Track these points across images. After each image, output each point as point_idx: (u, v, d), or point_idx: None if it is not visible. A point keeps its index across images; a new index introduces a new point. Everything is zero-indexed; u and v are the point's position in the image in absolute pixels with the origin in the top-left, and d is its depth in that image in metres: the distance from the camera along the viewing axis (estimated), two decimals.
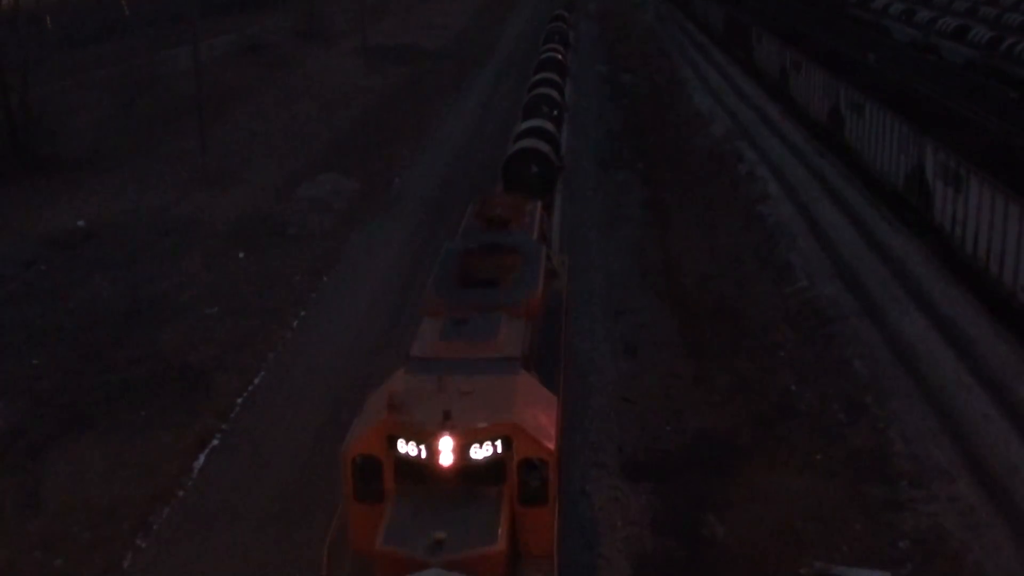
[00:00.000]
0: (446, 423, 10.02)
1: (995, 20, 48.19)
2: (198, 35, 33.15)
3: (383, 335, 20.53)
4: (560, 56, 37.22)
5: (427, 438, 10.09)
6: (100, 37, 55.36)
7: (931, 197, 22.99)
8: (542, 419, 10.65)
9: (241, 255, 25.12)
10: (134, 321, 21.22)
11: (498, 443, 10.23)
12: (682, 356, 19.47)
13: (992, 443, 15.49)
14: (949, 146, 22.25)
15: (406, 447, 10.21)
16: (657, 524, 14.26)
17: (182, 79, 40.14)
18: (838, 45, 40.08)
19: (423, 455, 10.16)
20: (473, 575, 9.52)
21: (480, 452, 10.20)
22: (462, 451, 10.12)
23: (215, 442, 16.86)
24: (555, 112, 26.69)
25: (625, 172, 32.86)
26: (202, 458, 16.40)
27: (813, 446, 15.84)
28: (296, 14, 63.73)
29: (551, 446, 10.33)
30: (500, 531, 9.94)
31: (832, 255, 23.64)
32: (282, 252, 25.42)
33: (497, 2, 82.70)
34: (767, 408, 17.19)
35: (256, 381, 18.99)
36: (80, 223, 27.17)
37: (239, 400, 18.26)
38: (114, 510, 14.82)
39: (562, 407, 11.70)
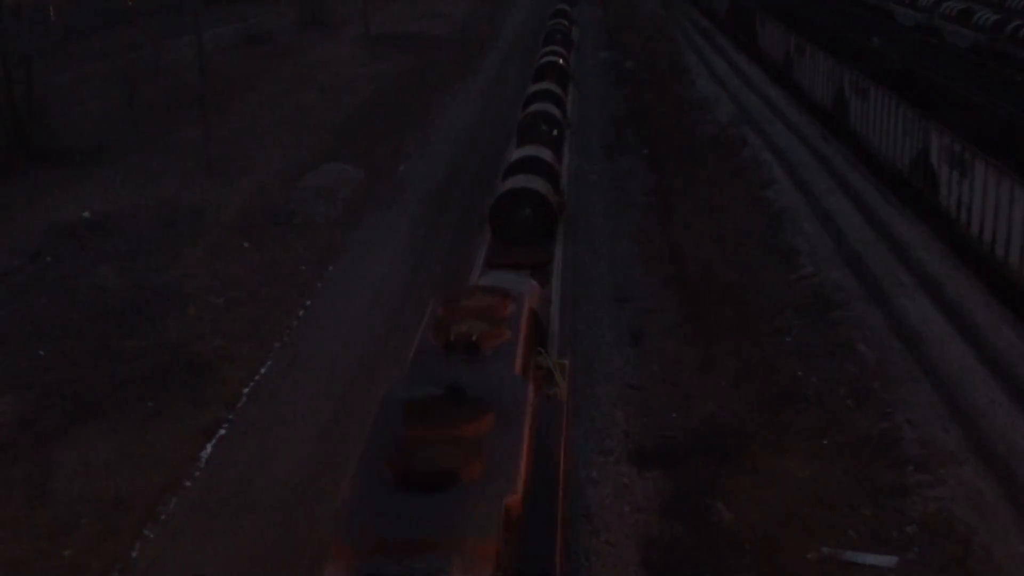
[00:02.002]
0: None
1: (1000, 3, 47.98)
2: (200, 25, 33.11)
3: (389, 325, 20.57)
4: (562, 60, 32.76)
5: None
6: (103, 28, 55.38)
7: (936, 181, 22.93)
8: None
9: (246, 245, 25.14)
10: (140, 312, 21.26)
11: None
12: (688, 342, 19.47)
13: (999, 427, 15.48)
14: (954, 130, 22.19)
15: None
16: (664, 510, 14.28)
17: (186, 69, 40.14)
18: (842, 29, 39.94)
19: None
20: None
21: None
22: None
23: (222, 432, 16.91)
24: (554, 132, 22.97)
25: (629, 158, 32.83)
26: (209, 448, 16.45)
27: (820, 431, 15.84)
28: (299, 3, 63.64)
29: None
30: None
31: (837, 240, 23.61)
32: (287, 242, 25.44)
33: None
34: (773, 394, 17.19)
35: (262, 371, 19.03)
36: (85, 214, 27.20)
37: (245, 390, 18.30)
38: (122, 500, 14.88)
39: None
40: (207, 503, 14.96)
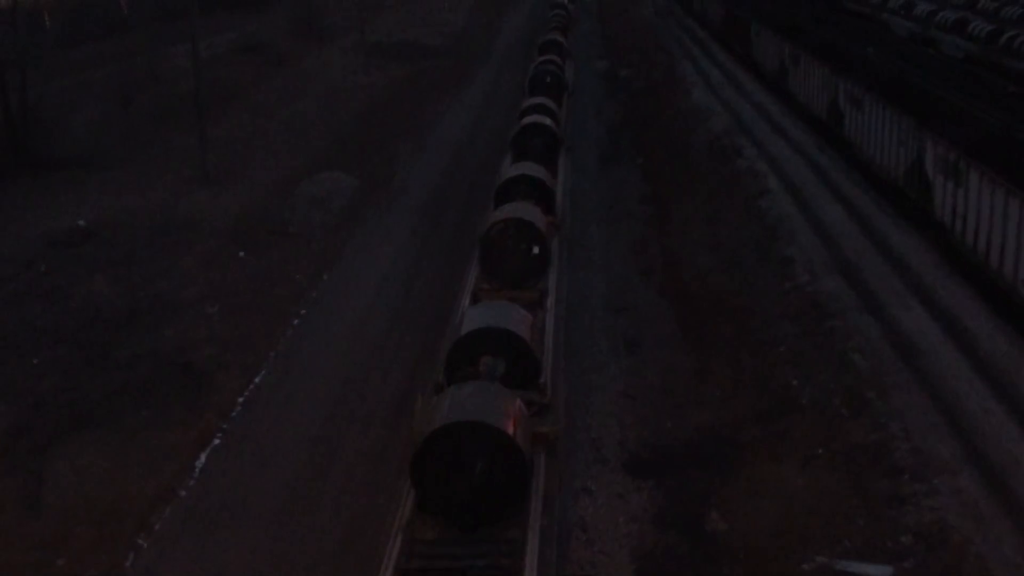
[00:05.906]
0: None
1: (994, 13, 48.14)
2: (197, 33, 33.12)
3: (383, 333, 20.56)
4: (550, 120, 23.06)
5: None
6: (99, 35, 55.34)
7: (931, 191, 22.96)
8: None
9: (241, 253, 25.12)
10: (135, 320, 21.22)
11: None
12: (683, 352, 19.48)
13: (994, 437, 15.49)
14: (948, 140, 22.23)
15: None
16: (659, 520, 14.27)
17: (181, 77, 40.12)
18: (837, 39, 40.02)
19: None
20: None
21: None
22: None
23: (216, 441, 16.89)
24: (534, 251, 15.63)
25: (624, 167, 32.86)
26: (203, 457, 16.43)
27: (815, 441, 15.83)
28: (295, 11, 63.60)
29: None
30: None
31: (832, 249, 23.62)
32: (282, 250, 25.41)
33: None
34: (768, 403, 17.19)
35: (257, 380, 19.01)
36: (80, 222, 27.16)
37: (240, 399, 18.28)
38: (116, 509, 14.84)
39: None
40: (201, 512, 14.93)
